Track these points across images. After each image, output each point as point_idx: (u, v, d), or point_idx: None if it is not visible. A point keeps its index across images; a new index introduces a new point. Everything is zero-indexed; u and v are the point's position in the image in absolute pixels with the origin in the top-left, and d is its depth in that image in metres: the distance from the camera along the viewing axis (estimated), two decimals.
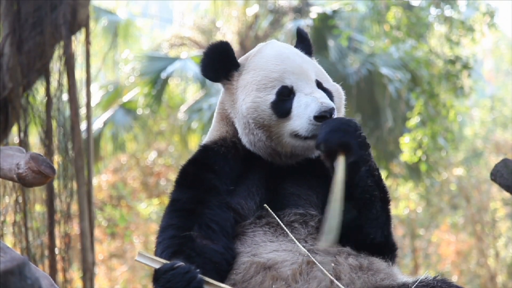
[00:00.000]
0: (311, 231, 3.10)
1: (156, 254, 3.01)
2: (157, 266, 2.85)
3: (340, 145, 2.97)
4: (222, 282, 2.90)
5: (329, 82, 3.31)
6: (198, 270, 2.79)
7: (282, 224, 3.08)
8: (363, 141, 3.03)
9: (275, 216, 3.09)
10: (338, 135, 2.97)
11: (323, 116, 3.05)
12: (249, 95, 3.19)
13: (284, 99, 3.16)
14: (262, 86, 3.18)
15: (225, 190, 3.15)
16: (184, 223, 3.04)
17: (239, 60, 3.33)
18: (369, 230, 3.04)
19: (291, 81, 3.17)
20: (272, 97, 3.16)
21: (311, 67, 3.26)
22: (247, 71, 3.25)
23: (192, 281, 2.76)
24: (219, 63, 3.26)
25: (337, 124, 3.01)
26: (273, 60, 3.23)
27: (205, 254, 2.95)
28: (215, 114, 3.43)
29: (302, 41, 3.46)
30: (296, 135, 3.14)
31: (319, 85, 3.23)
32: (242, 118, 3.21)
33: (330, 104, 3.08)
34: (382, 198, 3.11)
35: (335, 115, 3.10)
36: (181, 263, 2.80)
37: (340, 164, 2.97)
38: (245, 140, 3.23)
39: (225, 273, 2.97)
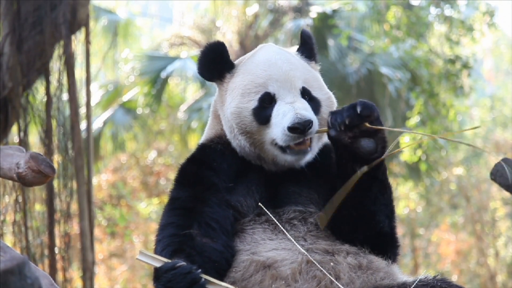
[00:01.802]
0: (310, 228, 3.10)
1: (155, 252, 3.01)
2: (158, 264, 2.85)
3: (377, 112, 2.94)
4: (221, 280, 2.90)
5: (321, 90, 3.28)
6: (199, 270, 2.80)
7: (278, 223, 3.08)
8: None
9: (271, 215, 3.09)
10: (372, 104, 2.97)
11: (296, 128, 3.04)
12: (235, 99, 3.20)
13: (265, 106, 3.16)
14: (247, 91, 3.19)
15: (224, 188, 3.17)
16: (184, 222, 3.04)
17: (236, 61, 3.34)
18: (379, 217, 3.06)
19: (274, 88, 3.17)
20: (254, 103, 3.17)
21: (299, 75, 3.22)
22: (238, 74, 3.26)
23: (194, 283, 2.76)
24: (213, 63, 3.28)
25: (369, 101, 2.99)
26: (261, 65, 3.23)
27: (205, 253, 2.96)
28: (210, 112, 3.46)
29: (304, 44, 3.43)
30: (275, 144, 3.14)
31: (307, 93, 3.21)
32: (228, 121, 3.23)
33: (306, 116, 3.05)
34: (389, 185, 3.13)
35: (314, 127, 3.07)
36: (182, 263, 2.80)
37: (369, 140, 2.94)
38: (234, 143, 3.25)
39: (224, 271, 2.98)
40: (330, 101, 3.29)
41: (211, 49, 3.29)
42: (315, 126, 3.09)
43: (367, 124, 2.93)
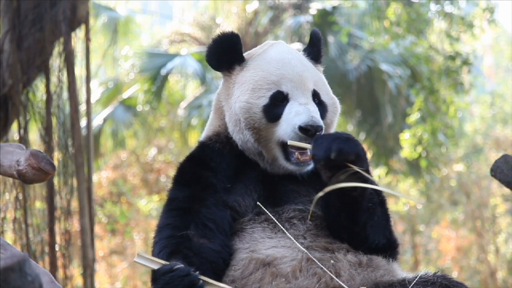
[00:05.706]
0: (310, 227, 3.09)
1: (153, 254, 3.01)
2: (156, 267, 2.84)
3: (355, 154, 2.83)
4: (219, 280, 2.90)
5: (327, 94, 3.28)
6: (197, 272, 2.79)
7: (276, 221, 3.07)
8: (365, 152, 2.97)
9: (269, 214, 3.08)
10: (351, 145, 2.83)
11: (307, 129, 3.02)
12: (244, 94, 3.18)
13: (276, 104, 3.15)
14: (258, 86, 3.18)
15: (222, 188, 3.15)
16: (181, 223, 3.03)
17: (244, 55, 3.33)
18: (372, 237, 3.05)
19: (287, 88, 3.16)
20: (265, 100, 3.15)
21: (311, 77, 3.22)
22: (248, 69, 3.24)
23: (192, 286, 2.76)
24: (224, 53, 3.26)
25: (343, 135, 2.88)
26: (275, 63, 3.21)
27: (202, 254, 2.95)
28: (212, 106, 3.43)
29: (312, 46, 3.42)
30: (281, 142, 3.13)
31: (317, 96, 3.21)
32: (234, 115, 3.21)
33: (319, 121, 3.05)
34: (379, 202, 3.11)
35: (321, 134, 3.04)
36: (180, 265, 2.79)
37: (346, 176, 2.82)
38: (236, 137, 3.23)
39: (222, 271, 2.97)
40: (334, 106, 3.30)
41: (225, 38, 3.27)
42: (323, 133, 3.08)
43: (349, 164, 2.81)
